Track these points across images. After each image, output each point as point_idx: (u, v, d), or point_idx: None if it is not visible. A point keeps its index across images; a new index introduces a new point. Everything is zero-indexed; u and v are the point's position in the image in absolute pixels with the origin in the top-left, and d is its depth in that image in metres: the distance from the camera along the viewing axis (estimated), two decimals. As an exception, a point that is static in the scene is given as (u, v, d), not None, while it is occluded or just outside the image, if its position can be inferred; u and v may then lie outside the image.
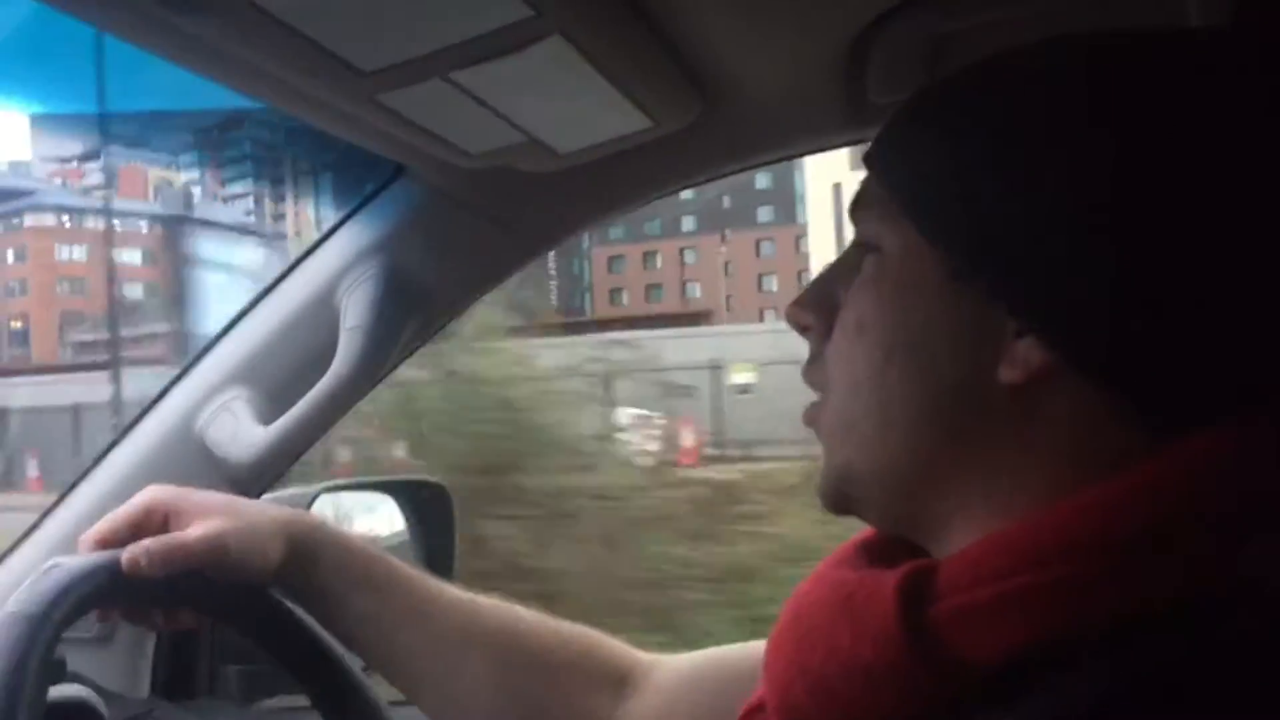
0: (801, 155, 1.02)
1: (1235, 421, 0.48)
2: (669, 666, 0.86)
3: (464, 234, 1.01)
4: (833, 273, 0.60)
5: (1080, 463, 0.50)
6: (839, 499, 0.58)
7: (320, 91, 0.75)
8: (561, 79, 0.76)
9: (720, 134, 0.93)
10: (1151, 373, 0.49)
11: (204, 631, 1.04)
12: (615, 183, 1.00)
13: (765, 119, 0.93)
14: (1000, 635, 0.47)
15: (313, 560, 0.80)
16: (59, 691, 0.84)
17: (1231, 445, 0.48)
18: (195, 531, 0.76)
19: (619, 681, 0.84)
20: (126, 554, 0.73)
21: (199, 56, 0.71)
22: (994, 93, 0.54)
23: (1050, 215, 0.50)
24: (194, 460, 0.98)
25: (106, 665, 0.97)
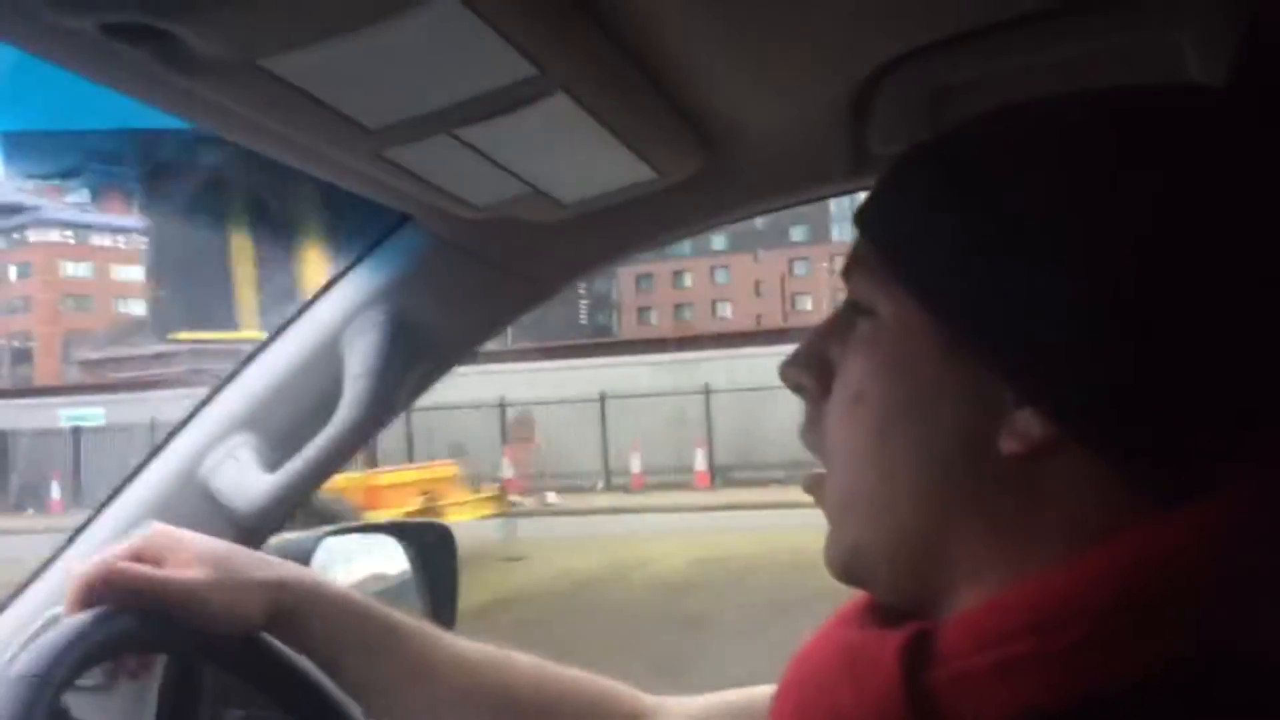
0: (805, 203, 1.05)
1: (1239, 488, 0.49)
2: (674, 711, 0.87)
3: (470, 281, 1.04)
4: (825, 331, 0.61)
5: (1086, 530, 0.50)
6: (848, 575, 0.59)
7: (324, 148, 0.77)
8: (566, 134, 0.78)
9: (724, 183, 0.96)
10: (1155, 444, 0.49)
11: (205, 678, 1.07)
12: (620, 230, 1.03)
13: (768, 168, 0.96)
14: (1001, 702, 0.48)
15: (303, 623, 0.80)
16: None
17: (1237, 512, 0.48)
18: (175, 576, 0.76)
19: None
20: (96, 566, 0.74)
21: (203, 113, 0.73)
22: (988, 156, 0.54)
23: (1048, 286, 0.50)
24: (198, 507, 1.00)
25: (109, 712, 1.00)
